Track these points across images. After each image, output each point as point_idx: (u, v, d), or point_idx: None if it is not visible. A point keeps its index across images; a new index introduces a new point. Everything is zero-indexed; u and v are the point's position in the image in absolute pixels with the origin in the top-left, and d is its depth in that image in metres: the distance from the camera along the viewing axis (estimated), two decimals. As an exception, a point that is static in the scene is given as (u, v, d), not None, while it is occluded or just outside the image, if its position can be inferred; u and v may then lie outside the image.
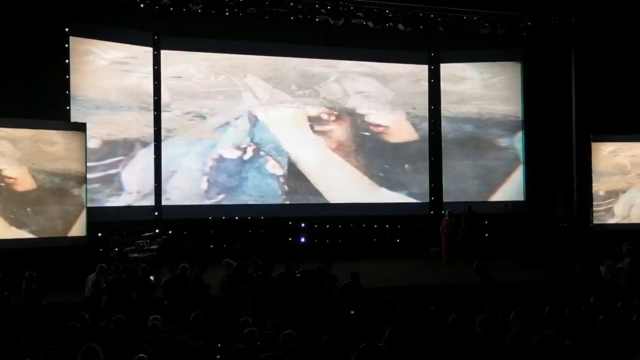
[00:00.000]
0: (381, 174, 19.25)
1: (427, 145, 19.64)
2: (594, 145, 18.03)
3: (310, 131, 18.74)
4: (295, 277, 12.19)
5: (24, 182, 13.97)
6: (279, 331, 7.76)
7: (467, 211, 17.77)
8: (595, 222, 17.90)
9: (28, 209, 13.95)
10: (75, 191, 14.49)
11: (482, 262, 12.28)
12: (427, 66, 19.76)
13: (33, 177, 14.03)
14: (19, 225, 13.81)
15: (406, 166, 19.47)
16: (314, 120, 18.78)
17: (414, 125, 19.57)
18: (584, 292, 11.03)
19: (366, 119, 19.21)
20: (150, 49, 17.36)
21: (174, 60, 17.60)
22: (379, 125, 19.30)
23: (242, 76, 18.22)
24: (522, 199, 19.56)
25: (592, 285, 13.01)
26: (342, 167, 18.96)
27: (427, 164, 19.62)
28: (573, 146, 18.54)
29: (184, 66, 17.73)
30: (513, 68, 19.83)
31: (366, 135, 19.20)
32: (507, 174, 19.68)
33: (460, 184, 19.61)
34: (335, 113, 18.94)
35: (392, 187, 19.33)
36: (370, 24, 17.26)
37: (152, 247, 14.61)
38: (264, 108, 18.36)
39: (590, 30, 18.04)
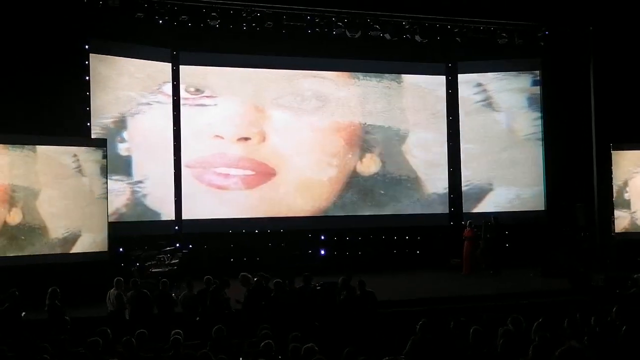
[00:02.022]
0: (400, 187, 19.29)
1: (446, 155, 19.68)
2: (614, 153, 17.93)
3: (327, 153, 18.85)
4: (316, 289, 12.18)
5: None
6: (301, 344, 7.75)
7: (494, 221, 17.67)
8: (617, 230, 17.80)
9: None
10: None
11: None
12: (444, 77, 19.77)
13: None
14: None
15: (426, 178, 19.51)
16: (330, 140, 18.88)
17: (431, 136, 19.57)
18: (607, 302, 10.93)
19: (383, 133, 19.25)
20: (169, 65, 17.55)
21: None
22: (398, 141, 19.35)
23: (260, 95, 18.37)
24: (543, 208, 19.45)
25: (615, 295, 12.90)
26: (363, 184, 19.06)
27: (446, 175, 19.65)
28: (593, 155, 18.43)
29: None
30: (531, 77, 19.76)
31: (384, 150, 19.26)
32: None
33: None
34: (352, 130, 19.04)
35: (414, 199, 19.39)
36: (387, 36, 17.27)
37: (173, 261, 14.67)
38: (283, 135, 18.49)
39: (608, 39, 17.96)
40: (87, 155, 14.67)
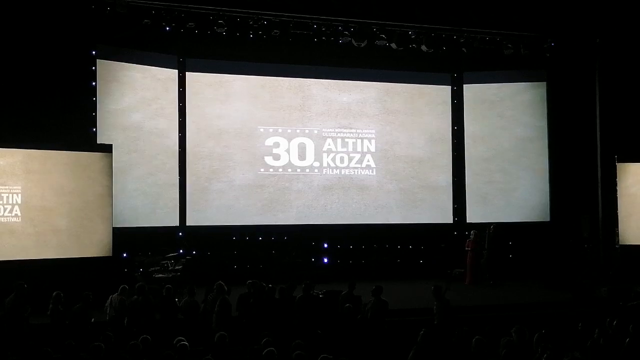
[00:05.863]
0: (404, 197, 19.30)
1: (450, 166, 19.67)
2: (620, 165, 17.91)
3: (333, 158, 18.90)
4: (318, 297, 12.17)
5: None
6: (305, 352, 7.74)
7: (492, 231, 17.65)
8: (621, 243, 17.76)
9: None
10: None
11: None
12: (449, 87, 19.79)
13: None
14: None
15: (430, 188, 19.50)
16: (336, 147, 18.93)
17: (436, 146, 19.59)
18: (610, 314, 10.92)
19: (387, 142, 19.27)
20: (176, 71, 17.62)
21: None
22: (402, 150, 19.37)
23: (266, 102, 18.48)
24: (547, 220, 19.42)
25: (618, 307, 12.87)
26: (366, 193, 19.07)
27: (450, 185, 19.64)
28: (598, 167, 18.41)
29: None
30: (537, 89, 19.77)
31: (388, 159, 19.27)
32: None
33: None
34: (358, 137, 19.07)
35: (418, 209, 19.39)
36: (393, 45, 17.31)
37: (176, 267, 14.71)
38: (289, 141, 18.61)
39: (614, 51, 17.97)
40: (87, 161, 14.67)
